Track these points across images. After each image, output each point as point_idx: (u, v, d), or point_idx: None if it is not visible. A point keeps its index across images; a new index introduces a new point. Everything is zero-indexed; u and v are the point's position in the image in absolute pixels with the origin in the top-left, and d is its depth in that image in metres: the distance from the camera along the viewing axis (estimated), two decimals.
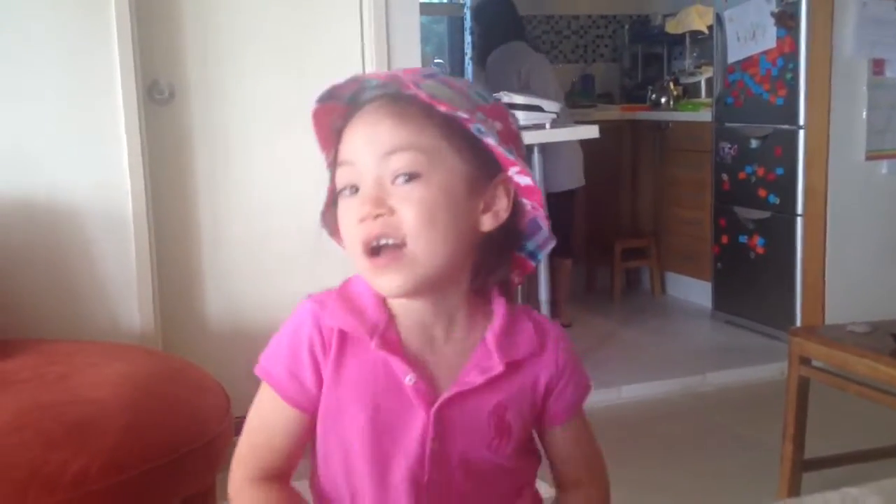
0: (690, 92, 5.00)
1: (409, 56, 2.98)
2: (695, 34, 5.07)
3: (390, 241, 0.92)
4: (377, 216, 0.92)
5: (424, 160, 0.93)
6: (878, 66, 3.71)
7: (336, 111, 0.99)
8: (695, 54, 5.25)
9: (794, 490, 2.22)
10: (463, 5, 5.37)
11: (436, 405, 0.97)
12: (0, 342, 2.26)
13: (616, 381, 3.40)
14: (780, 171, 3.84)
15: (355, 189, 0.95)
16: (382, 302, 0.99)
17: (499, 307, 1.01)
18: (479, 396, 0.99)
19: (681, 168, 4.69)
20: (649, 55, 5.64)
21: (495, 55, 4.31)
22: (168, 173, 2.79)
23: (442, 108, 0.92)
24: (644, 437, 2.99)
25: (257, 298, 2.85)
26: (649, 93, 5.17)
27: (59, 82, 2.58)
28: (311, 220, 1.04)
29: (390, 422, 0.97)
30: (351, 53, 2.95)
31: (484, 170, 0.96)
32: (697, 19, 4.93)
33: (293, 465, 1.02)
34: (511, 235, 1.01)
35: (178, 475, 1.77)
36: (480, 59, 4.52)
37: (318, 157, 1.02)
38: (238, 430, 1.06)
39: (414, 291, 0.95)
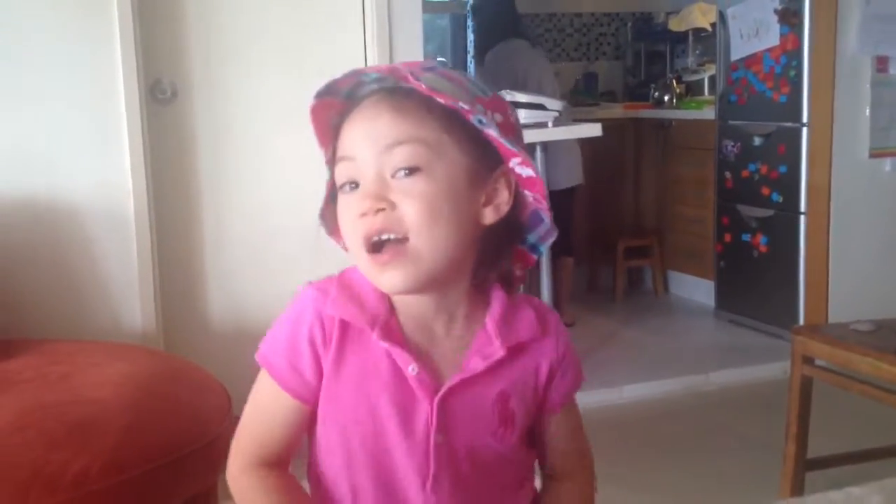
0: (693, 90, 4.99)
1: (412, 54, 2.97)
2: (698, 32, 5.05)
3: (392, 236, 0.92)
4: (378, 211, 0.91)
5: (425, 153, 0.92)
6: (881, 63, 3.69)
7: (334, 107, 0.98)
8: (698, 52, 5.23)
9: (798, 489, 2.22)
10: (465, 3, 5.36)
11: (439, 395, 0.96)
12: (2, 342, 2.26)
13: (618, 380, 3.39)
14: (783, 168, 3.83)
15: (355, 184, 0.94)
16: (383, 293, 0.98)
17: (497, 295, 1.00)
18: (482, 385, 0.98)
19: (684, 166, 4.68)
20: (652, 53, 5.62)
21: (493, 52, 4.30)
22: (170, 173, 2.79)
23: (442, 100, 0.91)
24: (646, 437, 2.98)
25: (260, 298, 2.84)
26: (652, 91, 5.15)
27: (62, 82, 2.58)
28: (314, 219, 1.03)
29: (393, 413, 0.96)
30: (354, 52, 2.94)
31: (484, 162, 0.95)
32: (700, 17, 4.91)
33: (291, 452, 1.02)
34: (512, 228, 1.00)
35: (179, 475, 1.77)
36: (479, 57, 4.51)
37: (321, 156, 1.02)
38: None
39: (417, 288, 0.95)
